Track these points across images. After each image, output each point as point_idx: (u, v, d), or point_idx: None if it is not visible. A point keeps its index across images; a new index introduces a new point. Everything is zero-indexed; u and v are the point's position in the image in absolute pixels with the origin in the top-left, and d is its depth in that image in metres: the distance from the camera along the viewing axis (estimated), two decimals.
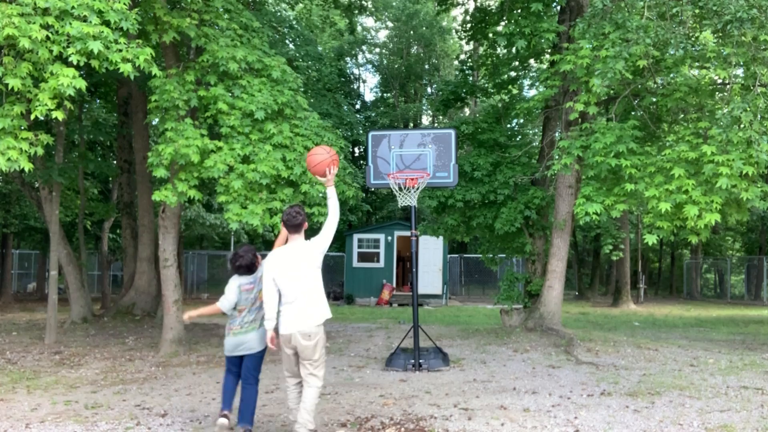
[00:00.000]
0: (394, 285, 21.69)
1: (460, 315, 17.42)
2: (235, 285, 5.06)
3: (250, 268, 5.05)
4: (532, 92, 20.42)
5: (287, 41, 21.26)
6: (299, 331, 4.61)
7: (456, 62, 31.59)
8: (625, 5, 8.32)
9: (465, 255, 26.64)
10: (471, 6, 16.34)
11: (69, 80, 6.32)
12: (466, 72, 17.27)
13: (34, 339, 10.83)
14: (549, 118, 12.92)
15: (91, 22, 6.36)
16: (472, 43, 17.95)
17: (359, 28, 34.91)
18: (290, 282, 4.66)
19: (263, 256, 5.01)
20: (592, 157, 8.08)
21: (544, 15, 11.77)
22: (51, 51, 6.27)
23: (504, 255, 13.95)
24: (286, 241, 4.85)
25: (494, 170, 12.54)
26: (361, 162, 30.01)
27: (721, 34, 7.97)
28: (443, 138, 8.91)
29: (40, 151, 6.74)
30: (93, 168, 15.87)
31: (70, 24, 6.27)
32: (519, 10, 12.27)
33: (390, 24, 35.26)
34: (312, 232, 5.08)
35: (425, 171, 8.67)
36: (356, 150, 32.59)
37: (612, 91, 8.70)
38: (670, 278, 32.21)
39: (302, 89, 9.60)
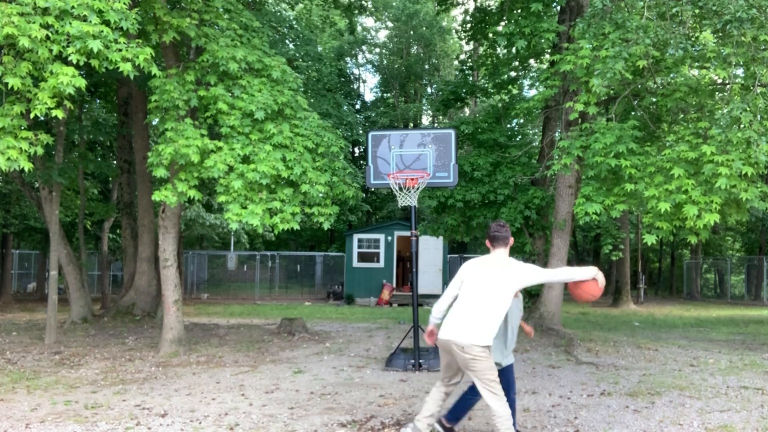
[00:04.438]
0: (394, 285, 21.68)
1: None
2: None
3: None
4: (532, 92, 20.44)
5: (287, 41, 21.26)
6: (454, 342, 4.40)
7: (456, 62, 31.60)
8: (625, 5, 8.31)
9: (465, 255, 26.61)
10: (471, 6, 16.38)
11: (69, 79, 6.32)
12: (466, 72, 17.29)
13: (34, 339, 10.83)
14: (549, 118, 12.93)
15: (90, 21, 6.37)
16: (472, 43, 17.96)
17: (359, 28, 34.91)
18: (475, 287, 4.50)
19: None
20: (592, 157, 8.08)
21: (544, 15, 11.78)
22: (51, 50, 6.28)
23: None
24: None
25: (494, 170, 12.55)
26: (361, 162, 30.02)
27: (721, 34, 7.96)
28: (443, 138, 8.92)
29: (40, 151, 6.74)
30: (93, 168, 15.88)
31: (70, 23, 6.28)
32: (519, 10, 12.29)
33: (390, 24, 35.27)
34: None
35: (425, 171, 8.68)
36: (356, 150, 32.60)
37: (612, 91, 8.69)
38: (670, 278, 32.20)
39: (302, 89, 9.60)
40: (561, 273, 4.71)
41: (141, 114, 13.64)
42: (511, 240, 4.75)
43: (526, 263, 4.65)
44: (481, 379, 4.34)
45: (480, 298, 4.45)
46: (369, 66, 37.28)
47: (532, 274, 4.50)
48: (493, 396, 4.32)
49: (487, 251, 4.83)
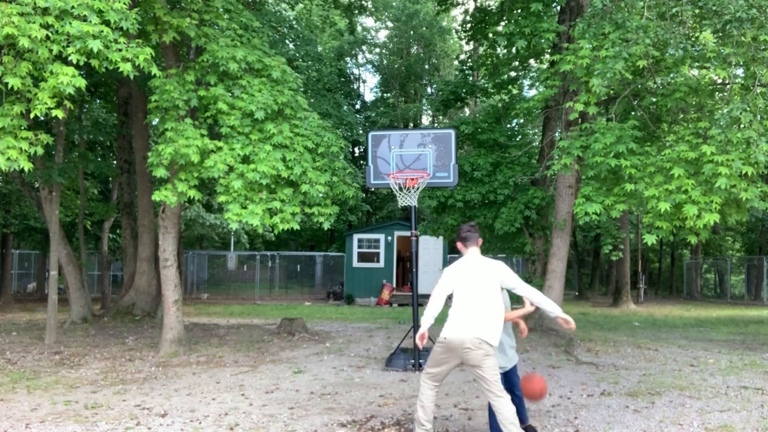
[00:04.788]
0: (394, 285, 21.69)
1: None
2: None
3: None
4: (532, 92, 20.45)
5: (287, 41, 21.26)
6: (469, 340, 4.47)
7: (456, 62, 31.59)
8: (625, 5, 8.31)
9: None
10: (471, 6, 16.36)
11: (69, 79, 6.33)
12: (466, 72, 17.28)
13: (34, 339, 10.83)
14: (549, 118, 12.93)
15: (90, 21, 6.37)
16: (472, 43, 17.95)
17: (359, 28, 34.90)
18: (472, 289, 4.62)
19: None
20: (592, 157, 8.08)
21: (544, 15, 11.77)
22: (51, 50, 6.28)
23: (504, 255, 13.96)
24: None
25: (494, 170, 12.55)
26: (361, 162, 30.01)
27: (721, 34, 7.95)
28: (443, 138, 8.92)
29: (40, 151, 6.74)
30: (93, 168, 15.87)
31: (70, 23, 6.28)
32: (519, 10, 12.27)
33: (390, 24, 35.26)
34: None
35: (425, 171, 8.68)
36: (356, 150, 32.60)
37: (612, 91, 8.69)
38: (670, 278, 32.20)
39: (302, 89, 9.60)
40: (540, 297, 4.80)
41: (141, 114, 13.64)
42: (480, 240, 4.95)
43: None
44: (488, 374, 4.48)
45: (480, 299, 4.58)
46: (369, 66, 37.29)
47: (513, 279, 4.74)
48: (499, 390, 4.51)
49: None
